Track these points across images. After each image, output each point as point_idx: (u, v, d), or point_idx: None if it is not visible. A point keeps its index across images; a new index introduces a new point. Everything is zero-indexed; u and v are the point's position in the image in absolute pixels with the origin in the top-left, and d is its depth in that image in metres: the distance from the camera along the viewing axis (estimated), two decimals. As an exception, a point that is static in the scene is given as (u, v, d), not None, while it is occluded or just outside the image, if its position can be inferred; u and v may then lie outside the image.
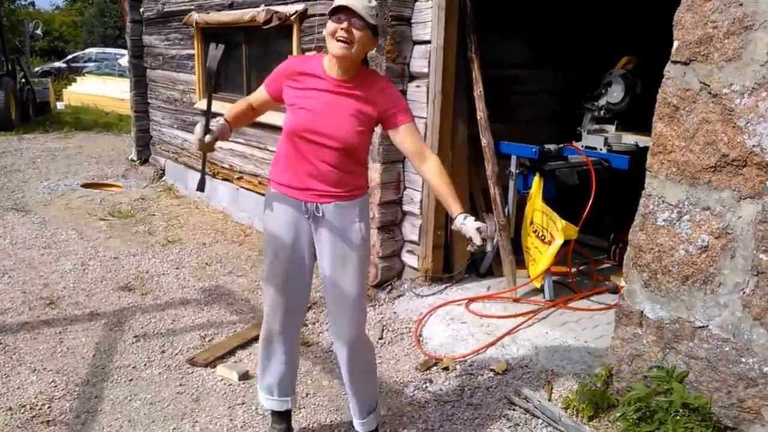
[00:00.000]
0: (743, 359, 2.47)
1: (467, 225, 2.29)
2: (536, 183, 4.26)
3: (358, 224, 2.46)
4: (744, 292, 2.45)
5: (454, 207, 2.35)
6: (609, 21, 5.14)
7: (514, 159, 4.33)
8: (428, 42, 4.04)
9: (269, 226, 2.55)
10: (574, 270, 4.78)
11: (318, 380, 3.42)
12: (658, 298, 2.74)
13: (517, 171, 4.34)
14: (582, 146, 4.68)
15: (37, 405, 3.10)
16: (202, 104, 6.71)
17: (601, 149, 4.59)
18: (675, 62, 2.63)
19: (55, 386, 3.28)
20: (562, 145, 4.45)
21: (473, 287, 4.46)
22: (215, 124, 2.45)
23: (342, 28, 2.23)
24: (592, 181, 4.21)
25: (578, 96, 4.96)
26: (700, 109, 2.55)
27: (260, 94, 2.56)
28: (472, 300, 4.21)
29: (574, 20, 5.21)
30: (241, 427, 2.95)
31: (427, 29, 4.03)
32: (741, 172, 2.44)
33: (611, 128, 4.88)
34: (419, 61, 4.13)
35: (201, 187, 2.62)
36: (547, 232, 4.21)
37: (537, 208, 4.27)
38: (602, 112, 4.83)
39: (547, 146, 4.32)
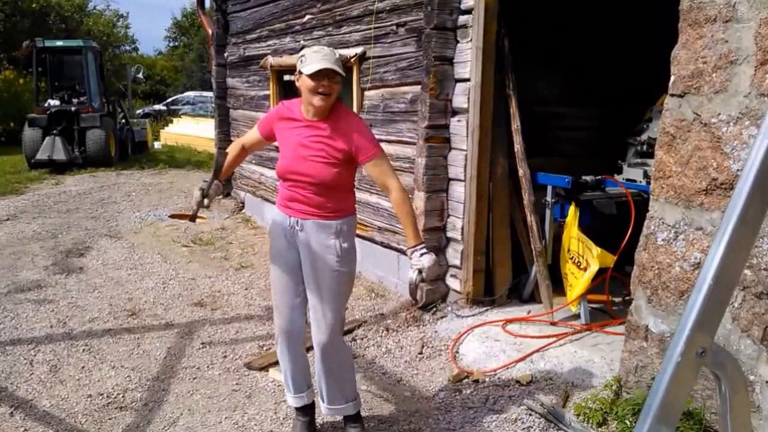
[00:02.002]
0: (733, 368, 2.65)
1: (413, 260, 2.75)
2: (572, 212, 4.50)
3: (335, 241, 2.84)
4: (733, 306, 2.65)
5: (408, 238, 2.82)
6: (648, 59, 5.35)
7: (549, 189, 4.59)
8: (468, 80, 4.41)
9: (271, 236, 3.07)
10: (619, 299, 4.93)
11: (357, 385, 3.76)
12: (659, 313, 2.95)
13: (553, 200, 4.59)
14: (622, 179, 4.87)
15: (113, 394, 3.62)
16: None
17: (640, 182, 4.77)
18: (672, 95, 2.89)
19: (130, 380, 3.79)
20: (599, 177, 4.67)
21: (514, 311, 4.71)
22: (212, 188, 2.94)
23: (324, 84, 2.70)
24: (631, 212, 4.40)
25: (618, 131, 5.17)
26: (693, 138, 2.79)
27: (253, 134, 3.07)
28: (509, 321, 4.46)
29: (613, 58, 5.45)
30: (283, 419, 3.35)
31: (467, 68, 4.41)
32: (728, 194, 2.66)
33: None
34: (460, 97, 4.50)
35: (193, 219, 3.07)
36: (583, 259, 4.42)
37: (573, 236, 4.50)
38: (644, 147, 5.02)
39: (583, 177, 4.55)
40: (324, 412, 3.18)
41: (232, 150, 3.13)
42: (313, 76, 2.69)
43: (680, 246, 2.83)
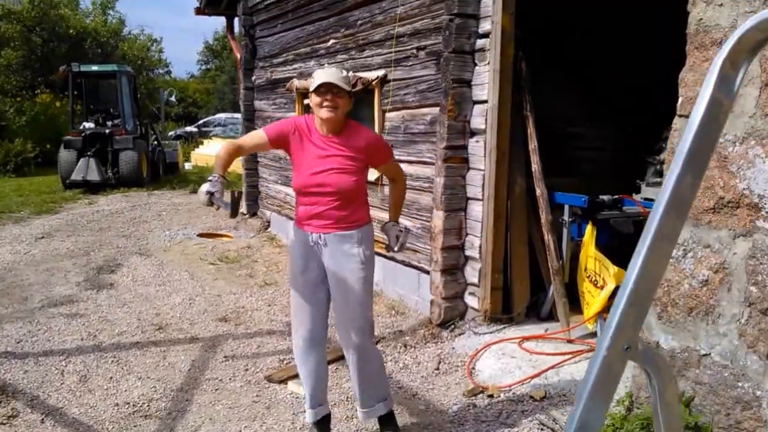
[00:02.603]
0: (740, 384, 2.69)
1: (392, 230, 3.26)
2: (589, 231, 4.55)
3: (357, 249, 2.99)
4: (740, 322, 2.69)
5: (390, 215, 3.33)
6: (666, 79, 5.42)
7: (566, 208, 4.65)
8: (486, 102, 4.52)
9: (291, 253, 3.24)
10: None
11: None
12: (669, 329, 2.99)
13: (570, 219, 4.65)
14: (640, 198, 4.91)
15: (138, 403, 3.76)
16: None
17: (658, 201, 4.80)
18: (680, 116, 2.96)
19: (155, 390, 3.93)
20: (617, 196, 4.72)
21: (531, 329, 4.75)
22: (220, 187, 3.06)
23: (327, 99, 2.88)
24: (648, 231, 4.44)
25: (636, 150, 5.22)
26: (700, 157, 2.85)
27: (257, 137, 3.10)
28: (526, 339, 4.51)
29: (631, 79, 5.52)
30: (300, 428, 3.46)
31: (485, 90, 4.51)
32: (735, 212, 2.71)
33: (673, 181, 5.07)
34: (478, 118, 4.61)
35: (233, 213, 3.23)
36: (600, 277, 4.46)
37: (590, 255, 4.54)
38: (663, 166, 5.06)
39: (601, 197, 4.61)
40: (360, 417, 3.34)
41: (228, 149, 3.14)
42: (317, 90, 2.88)
43: (689, 264, 2.88)
